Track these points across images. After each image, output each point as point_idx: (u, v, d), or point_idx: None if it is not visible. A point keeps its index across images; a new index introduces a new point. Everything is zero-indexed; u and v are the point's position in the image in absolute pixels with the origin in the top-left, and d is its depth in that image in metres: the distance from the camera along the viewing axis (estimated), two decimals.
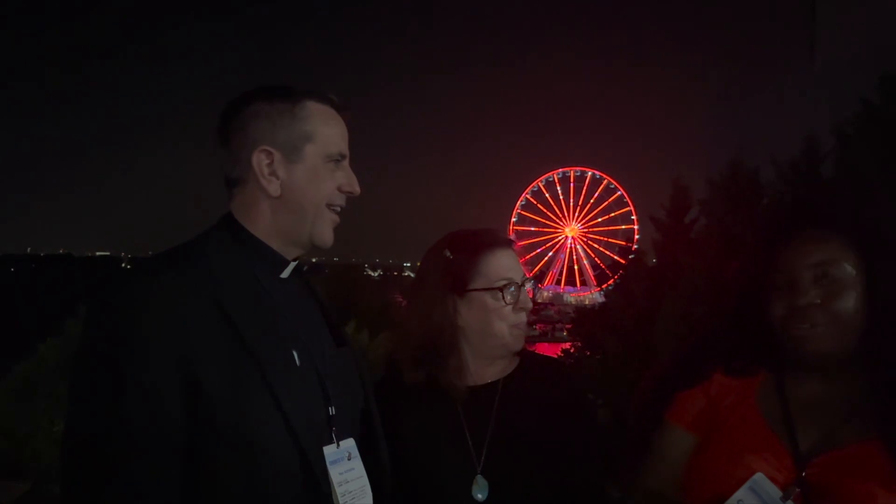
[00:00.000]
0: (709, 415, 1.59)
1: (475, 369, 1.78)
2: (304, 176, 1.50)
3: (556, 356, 1.99)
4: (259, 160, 1.47)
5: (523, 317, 1.76)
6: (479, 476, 1.66)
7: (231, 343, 1.35)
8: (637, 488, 1.68)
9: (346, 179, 1.55)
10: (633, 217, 50.49)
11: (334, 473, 1.43)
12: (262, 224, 1.50)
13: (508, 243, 1.81)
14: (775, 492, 1.42)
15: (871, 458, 1.38)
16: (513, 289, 1.73)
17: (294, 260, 1.58)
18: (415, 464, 1.68)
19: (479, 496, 1.64)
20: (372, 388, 1.67)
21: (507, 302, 1.72)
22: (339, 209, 1.55)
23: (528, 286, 1.81)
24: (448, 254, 1.78)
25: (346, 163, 1.56)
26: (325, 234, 1.54)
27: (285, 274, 1.54)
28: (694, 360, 1.66)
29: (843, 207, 1.52)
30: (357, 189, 1.55)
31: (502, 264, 1.76)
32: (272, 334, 1.42)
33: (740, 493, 1.44)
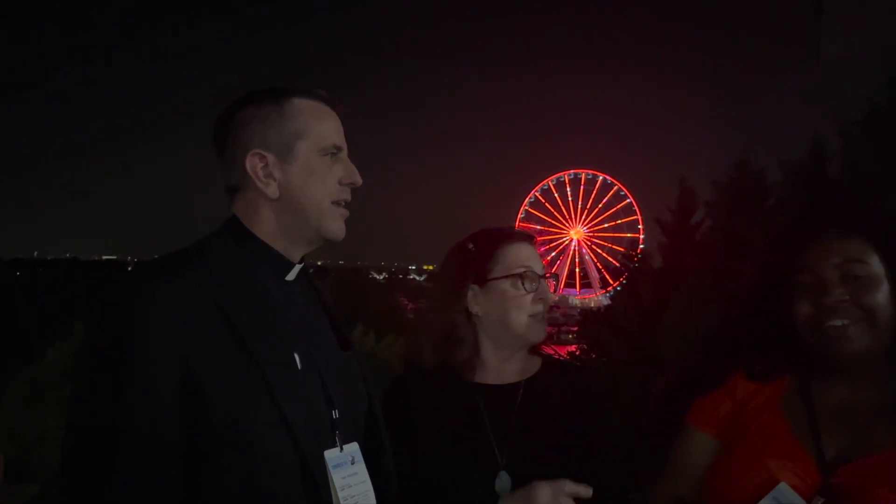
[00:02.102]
0: (734, 419, 1.56)
1: (496, 364, 1.79)
2: (301, 174, 1.49)
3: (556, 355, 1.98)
4: (253, 164, 1.48)
5: (541, 308, 1.76)
6: (502, 472, 1.67)
7: (231, 345, 1.35)
8: (657, 493, 1.65)
9: (344, 171, 1.53)
10: (640, 226, 50.37)
11: (336, 477, 1.42)
12: (266, 226, 1.50)
13: (529, 238, 1.83)
14: (800, 501, 1.39)
15: None
16: (532, 277, 1.74)
17: (300, 262, 1.58)
18: (435, 458, 1.69)
19: (503, 491, 1.65)
20: (377, 391, 1.67)
21: (527, 290, 1.74)
22: (343, 203, 1.55)
23: (551, 280, 1.82)
24: (470, 246, 1.82)
25: (343, 155, 1.54)
26: (334, 227, 1.53)
27: (291, 276, 1.54)
28: (711, 365, 1.65)
29: (865, 207, 1.51)
30: (358, 180, 1.54)
31: (522, 254, 1.78)
32: (273, 336, 1.42)
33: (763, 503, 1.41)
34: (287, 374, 1.40)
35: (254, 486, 1.32)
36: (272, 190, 1.48)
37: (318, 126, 1.51)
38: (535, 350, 1.85)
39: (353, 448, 1.48)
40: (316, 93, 1.55)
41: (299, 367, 1.43)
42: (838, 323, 1.40)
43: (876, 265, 1.41)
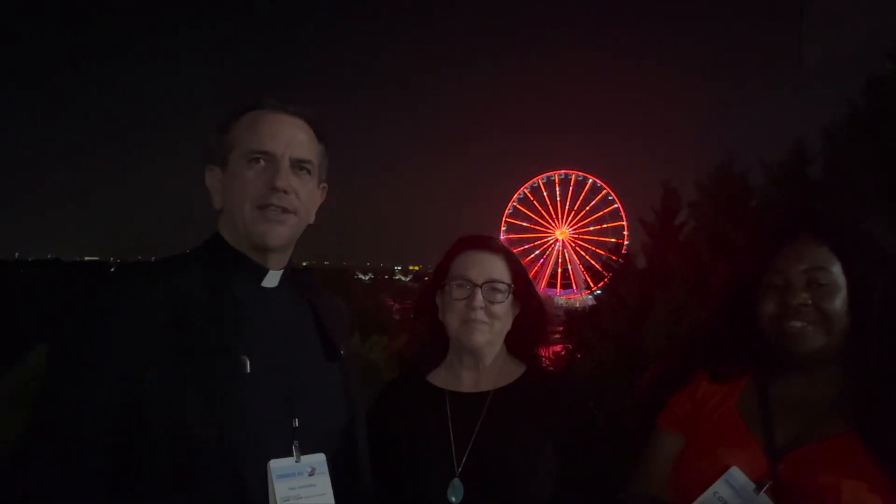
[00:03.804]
0: (693, 416, 1.69)
1: (461, 371, 1.82)
2: (230, 182, 1.53)
3: (546, 359, 1.99)
4: (208, 178, 1.56)
5: (473, 315, 1.77)
6: (455, 479, 1.68)
7: (176, 347, 1.38)
8: (633, 492, 1.71)
9: (268, 175, 1.51)
10: (625, 233, 50.34)
11: (281, 487, 1.40)
12: (231, 235, 1.51)
13: (484, 246, 1.85)
14: (749, 484, 1.52)
15: (843, 452, 1.51)
16: (461, 285, 1.78)
17: (284, 268, 1.57)
18: (398, 458, 1.70)
19: (454, 498, 1.66)
20: (362, 403, 1.66)
21: (453, 297, 1.78)
22: (277, 210, 1.52)
23: (500, 289, 1.81)
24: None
25: (274, 160, 1.52)
26: (265, 233, 1.53)
27: (269, 283, 1.53)
28: (681, 366, 1.79)
29: (834, 219, 1.65)
30: (276, 184, 1.51)
31: (461, 263, 1.83)
32: (223, 340, 1.43)
33: (716, 486, 1.54)
34: (230, 378, 1.41)
35: (185, 482, 1.35)
36: (216, 201, 1.54)
37: (246, 134, 1.53)
38: (523, 357, 1.87)
39: (315, 459, 1.46)
40: (265, 103, 1.57)
41: (248, 371, 1.42)
42: (798, 324, 1.56)
43: (837, 274, 1.56)
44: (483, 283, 1.81)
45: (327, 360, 1.60)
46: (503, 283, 1.83)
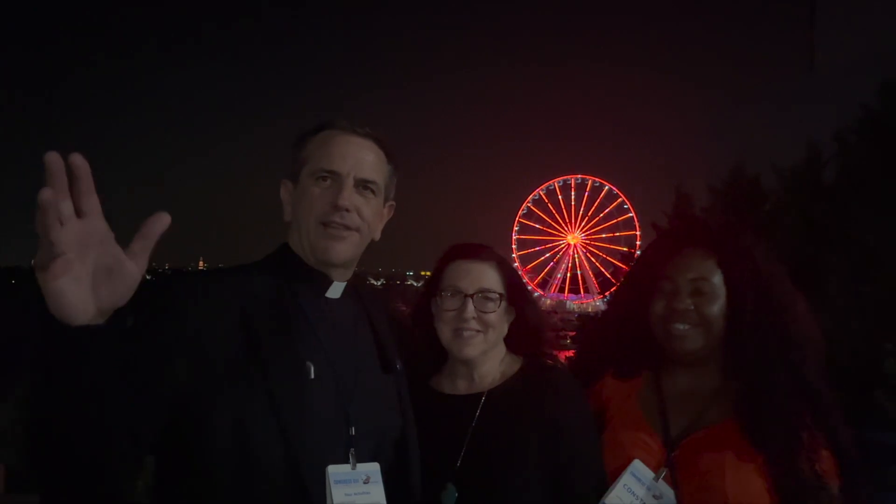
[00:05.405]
0: (601, 412, 1.82)
1: (456, 375, 1.82)
2: (298, 197, 1.58)
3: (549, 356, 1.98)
4: (282, 191, 1.62)
5: (465, 325, 1.77)
6: (449, 484, 1.69)
7: (243, 346, 1.41)
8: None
9: (332, 193, 1.55)
10: (637, 242, 49.77)
11: (338, 493, 1.42)
12: (297, 247, 1.57)
13: (475, 255, 1.84)
14: (650, 473, 1.68)
15: (726, 436, 1.67)
16: (453, 295, 1.77)
17: (348, 281, 1.62)
18: None
19: (448, 502, 1.67)
20: (414, 418, 1.69)
21: (444, 308, 1.78)
22: (339, 227, 1.55)
23: (491, 298, 1.80)
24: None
25: (340, 179, 1.56)
26: (327, 249, 1.56)
27: (332, 294, 1.58)
28: (588, 367, 1.93)
29: (718, 234, 1.82)
30: (339, 202, 1.55)
31: (452, 273, 1.83)
32: (289, 345, 1.46)
33: (624, 479, 1.69)
34: (295, 382, 1.43)
35: (244, 479, 1.35)
36: (287, 213, 1.60)
37: (317, 152, 1.58)
38: (523, 352, 1.87)
39: (370, 468, 1.48)
40: (336, 123, 1.62)
41: (312, 377, 1.46)
42: (681, 326, 1.73)
43: (718, 283, 1.74)
44: (474, 293, 1.79)
45: (383, 372, 1.63)
46: (495, 292, 1.78)
